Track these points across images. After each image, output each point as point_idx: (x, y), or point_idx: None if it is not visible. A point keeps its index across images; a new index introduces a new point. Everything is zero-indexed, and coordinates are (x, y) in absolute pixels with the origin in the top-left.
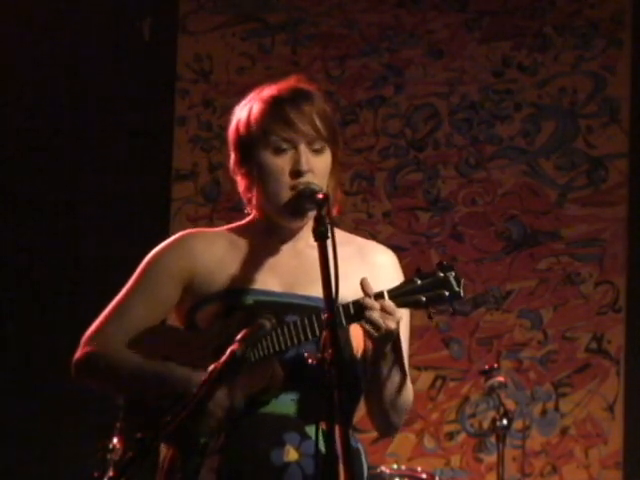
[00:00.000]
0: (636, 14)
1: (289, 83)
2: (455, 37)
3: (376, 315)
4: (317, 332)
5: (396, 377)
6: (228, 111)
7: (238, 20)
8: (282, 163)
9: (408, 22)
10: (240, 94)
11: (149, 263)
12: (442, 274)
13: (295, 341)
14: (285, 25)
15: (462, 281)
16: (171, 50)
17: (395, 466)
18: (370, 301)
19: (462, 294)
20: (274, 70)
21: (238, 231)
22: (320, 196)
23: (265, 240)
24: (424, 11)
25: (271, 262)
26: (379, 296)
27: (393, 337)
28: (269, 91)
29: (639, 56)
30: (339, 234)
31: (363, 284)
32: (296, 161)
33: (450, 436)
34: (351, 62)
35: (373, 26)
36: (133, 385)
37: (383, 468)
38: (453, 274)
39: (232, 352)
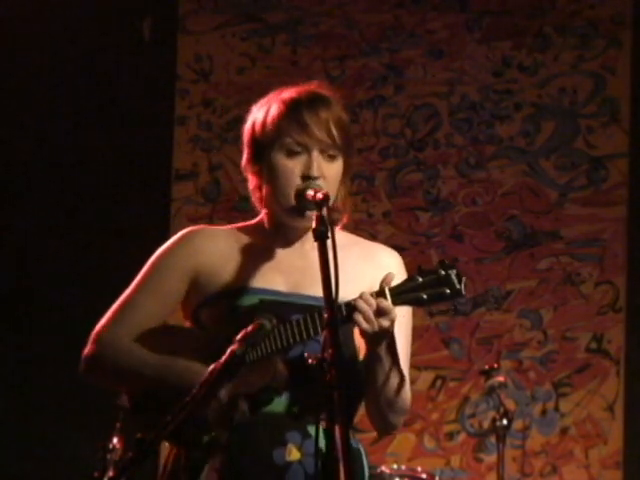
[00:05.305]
0: (636, 14)
1: (309, 87)
2: (455, 37)
3: (370, 313)
4: (319, 330)
5: (394, 380)
6: (228, 111)
7: (238, 20)
8: (293, 165)
9: (408, 22)
10: (240, 94)
11: (157, 259)
12: (443, 272)
13: (297, 338)
14: (285, 25)
15: (464, 279)
16: (171, 50)
17: (395, 466)
18: (366, 297)
19: (463, 292)
20: (274, 70)
21: (245, 231)
22: (320, 196)
23: (272, 241)
24: (424, 11)
25: (277, 262)
26: (380, 294)
27: (386, 336)
28: (288, 93)
29: (639, 56)
30: (345, 236)
31: (386, 277)
32: (307, 166)
33: (450, 436)
34: (351, 62)
35: (373, 26)
36: (141, 379)
37: (383, 468)
38: (454, 272)
39: (232, 352)
